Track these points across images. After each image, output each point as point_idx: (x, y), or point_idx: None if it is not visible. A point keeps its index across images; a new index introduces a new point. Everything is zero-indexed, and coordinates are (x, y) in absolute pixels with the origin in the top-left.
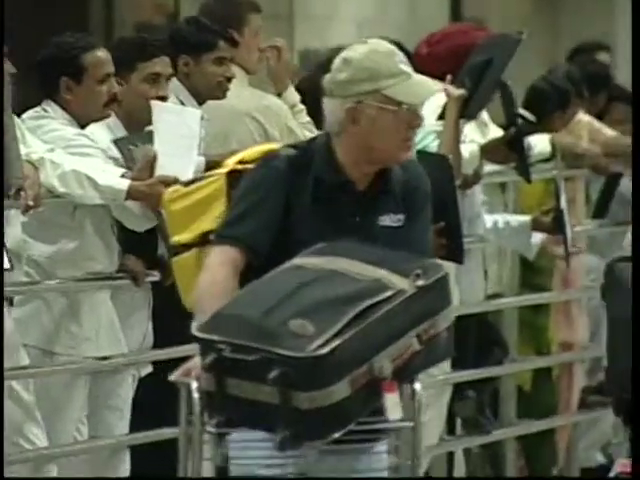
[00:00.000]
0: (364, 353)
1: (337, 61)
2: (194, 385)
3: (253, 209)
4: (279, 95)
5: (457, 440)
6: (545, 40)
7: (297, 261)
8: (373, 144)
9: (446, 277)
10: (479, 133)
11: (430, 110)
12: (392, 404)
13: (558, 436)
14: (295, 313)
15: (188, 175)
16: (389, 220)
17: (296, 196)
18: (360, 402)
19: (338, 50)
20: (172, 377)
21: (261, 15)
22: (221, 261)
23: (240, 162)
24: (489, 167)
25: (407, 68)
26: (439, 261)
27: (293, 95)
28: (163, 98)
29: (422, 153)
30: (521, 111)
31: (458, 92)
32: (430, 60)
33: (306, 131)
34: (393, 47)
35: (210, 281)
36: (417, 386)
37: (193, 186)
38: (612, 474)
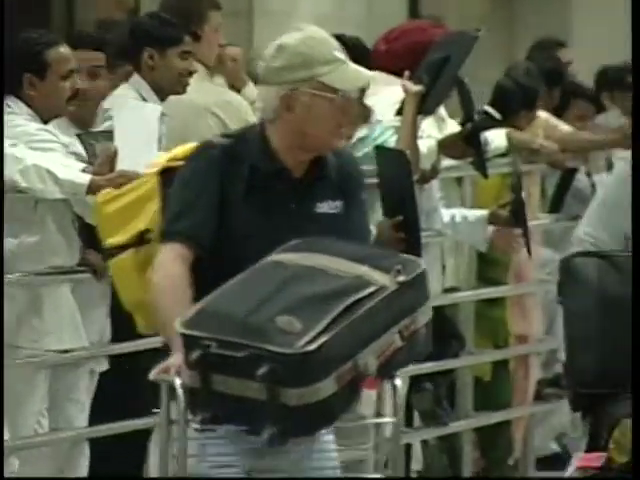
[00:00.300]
0: (349, 349)
1: (271, 48)
2: (177, 382)
3: (193, 202)
4: (239, 91)
5: (415, 432)
6: (502, 37)
7: (275, 257)
8: (307, 131)
9: (424, 273)
10: (437, 128)
11: (388, 106)
12: (367, 400)
13: (515, 427)
14: (281, 310)
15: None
16: (327, 207)
17: (232, 185)
18: (345, 398)
19: None
20: (151, 375)
21: (221, 12)
22: (172, 257)
23: (172, 160)
24: (446, 162)
25: (342, 55)
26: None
27: (252, 91)
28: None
29: (380, 148)
30: (487, 108)
31: (416, 88)
32: (388, 57)
33: None
34: (327, 34)
35: (166, 278)
36: (398, 382)
37: (125, 188)
38: (571, 468)
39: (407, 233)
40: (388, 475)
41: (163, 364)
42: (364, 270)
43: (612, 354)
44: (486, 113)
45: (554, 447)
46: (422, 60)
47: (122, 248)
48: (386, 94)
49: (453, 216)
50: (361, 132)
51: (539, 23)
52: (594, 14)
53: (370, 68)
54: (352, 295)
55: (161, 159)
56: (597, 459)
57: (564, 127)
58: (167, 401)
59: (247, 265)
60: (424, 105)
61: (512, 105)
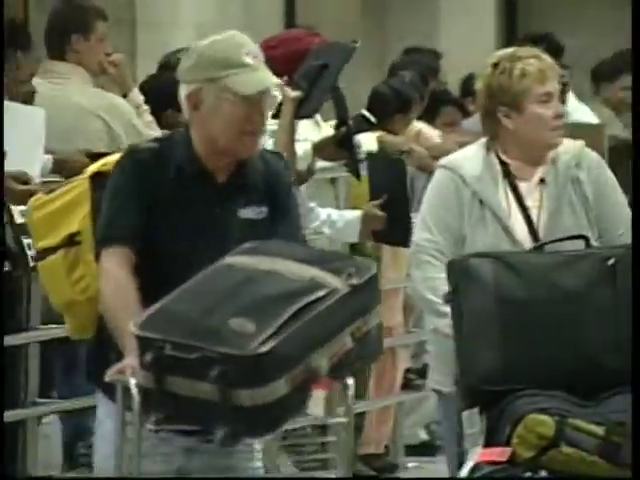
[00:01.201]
0: (302, 351)
1: (191, 48)
2: (132, 383)
3: (125, 207)
4: (124, 96)
5: None
6: (373, 43)
7: (228, 260)
8: (213, 134)
9: (376, 276)
10: (312, 131)
11: None
12: (317, 400)
13: (384, 416)
14: (235, 312)
15: (36, 172)
16: (251, 212)
17: (160, 188)
18: (297, 399)
19: (177, 52)
20: (107, 377)
21: (106, 22)
22: (114, 262)
23: (103, 165)
24: (321, 164)
25: (251, 60)
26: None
27: (137, 96)
28: None
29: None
30: (363, 112)
31: (294, 93)
32: (266, 64)
33: (149, 130)
34: (245, 40)
35: (111, 284)
36: (350, 381)
37: (55, 193)
38: (470, 462)
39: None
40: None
41: (118, 365)
42: (316, 273)
43: (514, 353)
44: (362, 117)
45: (423, 436)
46: (299, 67)
47: (52, 250)
48: None
49: (329, 215)
50: None
51: (408, 29)
52: (461, 20)
53: None
54: (305, 297)
55: (93, 166)
56: (502, 453)
57: (435, 138)
58: (122, 402)
59: (176, 267)
60: (302, 110)
61: (388, 109)
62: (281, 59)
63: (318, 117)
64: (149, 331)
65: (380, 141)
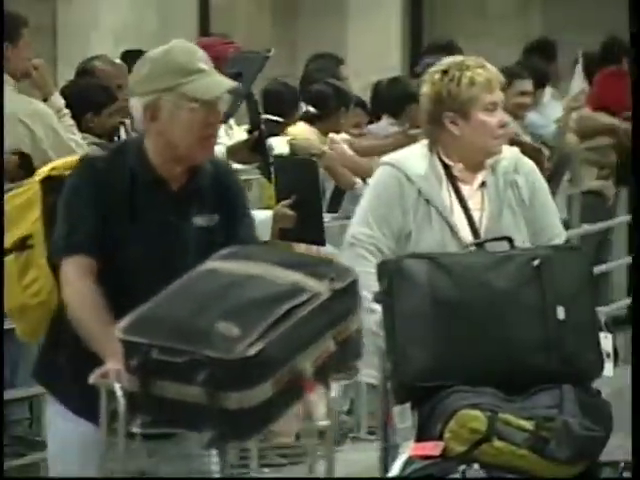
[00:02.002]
0: (286, 354)
1: (140, 60)
2: (117, 387)
3: (82, 215)
4: (45, 100)
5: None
6: (284, 51)
7: (210, 265)
8: (173, 141)
9: (356, 281)
10: (226, 136)
11: None
12: (315, 404)
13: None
14: (221, 315)
15: None
16: (202, 220)
17: (115, 196)
18: (282, 402)
19: (94, 59)
20: (91, 379)
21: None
22: (76, 271)
23: (53, 169)
24: (235, 166)
25: (205, 66)
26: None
27: (58, 100)
28: None
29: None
30: (268, 116)
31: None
32: None
33: (70, 134)
34: (195, 47)
35: (75, 294)
36: (333, 386)
37: (6, 196)
38: (403, 456)
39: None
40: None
41: (102, 369)
42: (299, 277)
43: (445, 351)
44: (270, 120)
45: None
46: None
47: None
48: None
49: None
50: None
51: (317, 38)
52: (367, 28)
53: None
54: (288, 301)
55: (44, 168)
56: (435, 448)
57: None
58: (106, 405)
59: (133, 275)
60: None
61: (329, 106)
62: None
63: (231, 121)
64: (134, 335)
65: (291, 144)
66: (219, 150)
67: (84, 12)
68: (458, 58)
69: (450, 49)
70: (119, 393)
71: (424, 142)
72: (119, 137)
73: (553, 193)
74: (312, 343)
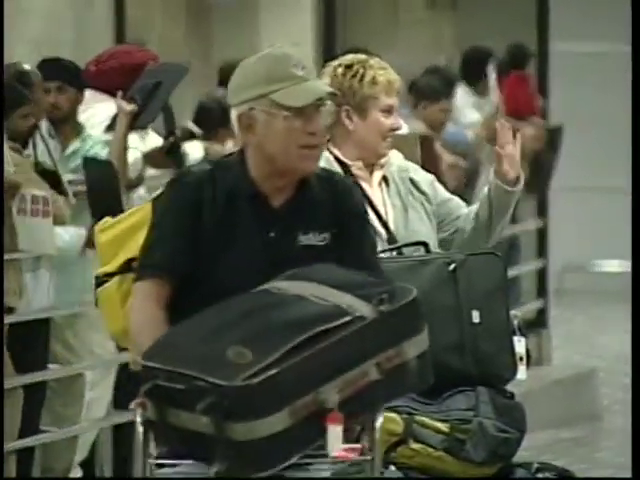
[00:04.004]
0: (309, 382)
1: (236, 69)
2: (138, 416)
3: (167, 233)
4: None
5: (124, 413)
6: (197, 56)
7: (268, 285)
8: (271, 153)
9: (415, 301)
10: (140, 141)
11: (100, 121)
12: (332, 437)
13: None
14: (237, 340)
15: None
16: (309, 239)
17: (207, 213)
18: (304, 433)
19: (14, 65)
20: (130, 406)
21: None
22: (143, 297)
23: None
24: (151, 171)
25: (300, 72)
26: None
27: None
28: None
29: (90, 159)
30: (189, 124)
31: (129, 107)
32: (98, 76)
33: None
34: (290, 52)
35: (139, 322)
36: (378, 419)
37: (122, 216)
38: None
39: None
40: None
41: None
42: (347, 299)
43: None
44: (187, 130)
45: None
46: (129, 80)
47: (109, 277)
48: (97, 111)
49: None
50: (73, 146)
51: (231, 45)
52: (280, 36)
53: (82, 87)
54: (319, 325)
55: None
56: (353, 451)
57: None
58: (139, 434)
59: (224, 296)
60: (137, 122)
61: (213, 122)
62: (112, 72)
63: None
64: (148, 360)
65: (206, 150)
66: (134, 155)
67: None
68: (362, 56)
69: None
70: (137, 420)
71: None
72: (34, 141)
73: (467, 200)
74: (344, 370)
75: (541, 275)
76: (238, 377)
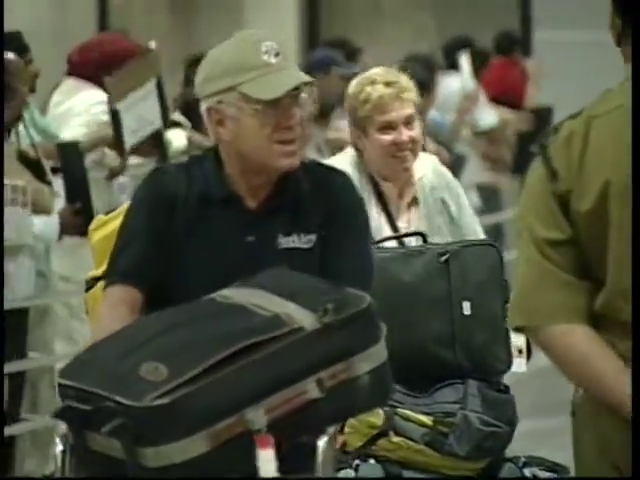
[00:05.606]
0: (233, 401)
1: (203, 60)
2: (58, 434)
3: (136, 236)
4: None
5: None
6: (181, 44)
7: (214, 293)
8: (243, 150)
9: (369, 310)
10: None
11: (85, 107)
12: (264, 461)
13: None
14: (154, 355)
15: None
16: (297, 241)
17: (181, 214)
18: (228, 459)
19: None
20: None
21: None
22: (113, 303)
23: None
24: (135, 160)
25: (272, 59)
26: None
27: None
28: None
29: (62, 143)
30: (176, 115)
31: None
32: (81, 65)
33: None
34: (262, 37)
35: (99, 330)
36: (320, 442)
37: (113, 213)
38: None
39: (85, 219)
40: None
41: None
42: (290, 308)
43: None
44: (173, 121)
45: None
46: (113, 68)
47: (95, 281)
48: (78, 100)
49: None
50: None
51: (215, 32)
52: (263, 24)
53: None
54: (251, 337)
55: None
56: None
57: None
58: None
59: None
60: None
61: (199, 112)
62: (95, 62)
63: None
64: (63, 377)
65: (189, 139)
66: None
67: None
68: (373, 71)
69: (343, 46)
70: (57, 442)
71: (350, 154)
72: (17, 133)
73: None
74: (277, 389)
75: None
76: (148, 396)
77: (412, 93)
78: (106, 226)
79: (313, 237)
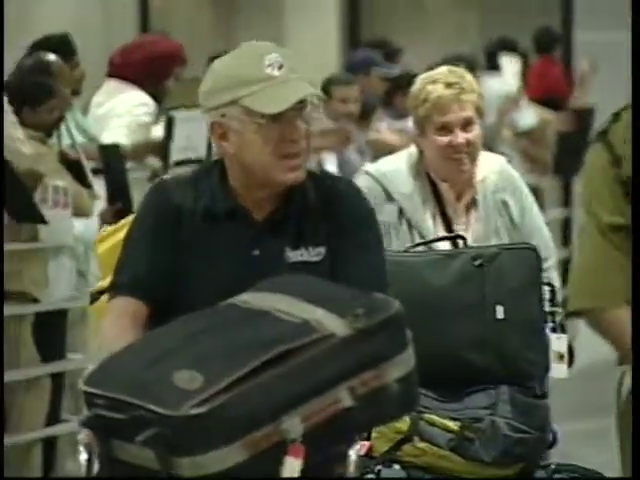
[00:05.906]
0: (269, 410)
1: (207, 72)
2: (82, 444)
3: (140, 249)
4: None
5: None
6: (224, 46)
7: (234, 298)
8: (247, 164)
9: (398, 316)
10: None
11: (130, 107)
12: (288, 470)
13: None
14: (186, 362)
15: None
16: (306, 255)
17: (186, 227)
18: (263, 468)
19: (37, 56)
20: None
21: None
22: (114, 317)
23: None
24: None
25: (276, 72)
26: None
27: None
28: None
29: (103, 146)
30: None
31: None
32: (124, 67)
33: (12, 130)
34: (268, 48)
35: (103, 342)
36: (351, 452)
37: (119, 224)
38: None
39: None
40: None
41: None
42: (318, 314)
43: None
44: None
45: None
46: (155, 70)
47: (100, 294)
48: (119, 101)
49: None
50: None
51: (258, 35)
52: (305, 24)
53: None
54: (283, 344)
55: None
56: (362, 448)
57: None
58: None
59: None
60: None
61: None
62: (138, 63)
63: None
64: (89, 385)
65: None
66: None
67: (27, 9)
68: (438, 70)
69: (383, 46)
70: (82, 452)
71: (411, 152)
72: (59, 134)
73: None
74: (311, 397)
75: (566, 264)
76: (185, 405)
77: (473, 95)
78: (112, 237)
79: (322, 250)
